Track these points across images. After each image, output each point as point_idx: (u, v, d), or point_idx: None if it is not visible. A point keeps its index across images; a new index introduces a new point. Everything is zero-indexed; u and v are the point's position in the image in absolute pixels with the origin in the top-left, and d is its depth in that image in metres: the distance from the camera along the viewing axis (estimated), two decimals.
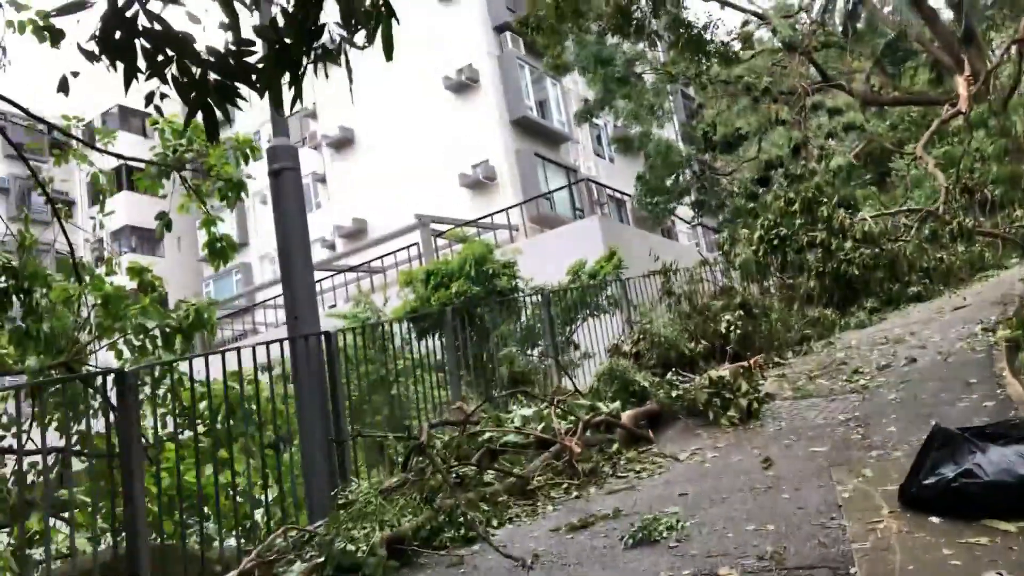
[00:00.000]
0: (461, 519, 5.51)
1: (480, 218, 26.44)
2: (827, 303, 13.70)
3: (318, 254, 33.44)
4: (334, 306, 26.51)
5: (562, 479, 6.45)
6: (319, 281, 28.56)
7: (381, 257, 28.08)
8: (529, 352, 11.47)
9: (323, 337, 6.84)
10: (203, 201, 9.66)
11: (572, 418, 7.37)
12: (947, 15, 25.82)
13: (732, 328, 10.69)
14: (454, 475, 6.29)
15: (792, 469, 5.61)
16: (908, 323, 11.12)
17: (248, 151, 9.74)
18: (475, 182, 30.43)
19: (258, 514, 7.63)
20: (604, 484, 6.29)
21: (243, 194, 9.79)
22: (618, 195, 31.56)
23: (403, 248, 26.79)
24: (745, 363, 9.74)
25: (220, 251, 9.89)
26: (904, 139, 29.96)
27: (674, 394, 7.87)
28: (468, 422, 6.99)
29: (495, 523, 5.68)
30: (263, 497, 7.12)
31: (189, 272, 38.59)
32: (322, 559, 4.60)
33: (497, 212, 26.67)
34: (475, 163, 30.43)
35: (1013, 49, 20.83)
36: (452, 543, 5.35)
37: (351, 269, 28.92)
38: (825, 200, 14.63)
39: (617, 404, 7.88)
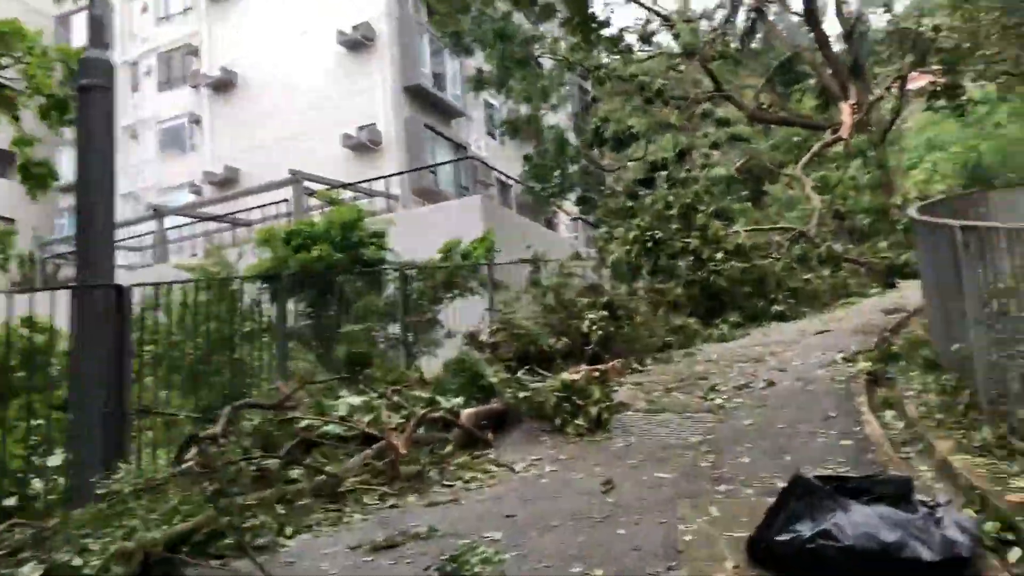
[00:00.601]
0: (248, 524, 4.65)
1: (359, 182, 25.26)
2: (692, 312, 13.44)
3: (182, 198, 31.45)
4: (196, 255, 24.80)
5: (381, 482, 5.68)
6: (179, 227, 26.76)
7: (248, 210, 26.47)
8: (382, 332, 10.59)
9: (114, 291, 5.78)
10: (15, 116, 8.32)
11: (406, 412, 6.60)
12: (839, 46, 26.40)
13: (595, 328, 10.17)
14: (254, 468, 5.41)
15: (635, 496, 5.03)
16: (770, 342, 10.90)
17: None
18: (359, 145, 29.10)
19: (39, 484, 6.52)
20: (427, 493, 5.55)
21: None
22: (505, 179, 30.94)
23: (273, 204, 25.33)
24: (603, 366, 9.24)
25: (38, 177, 8.59)
26: (785, 161, 30.67)
27: (522, 395, 7.22)
28: (283, 406, 6.11)
29: (289, 531, 4.84)
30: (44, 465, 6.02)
31: (42, 202, 35.54)
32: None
33: (377, 178, 25.54)
34: (361, 125, 29.10)
35: (896, 85, 21.40)
36: (231, 553, 4.49)
37: (213, 218, 27.13)
38: (703, 208, 14.39)
39: (460, 400, 7.17)
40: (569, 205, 30.80)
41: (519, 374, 8.46)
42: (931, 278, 7.42)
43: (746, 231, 15.14)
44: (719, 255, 13.64)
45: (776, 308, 13.47)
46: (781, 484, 4.89)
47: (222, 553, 4.51)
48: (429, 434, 6.48)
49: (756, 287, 13.76)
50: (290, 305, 12.16)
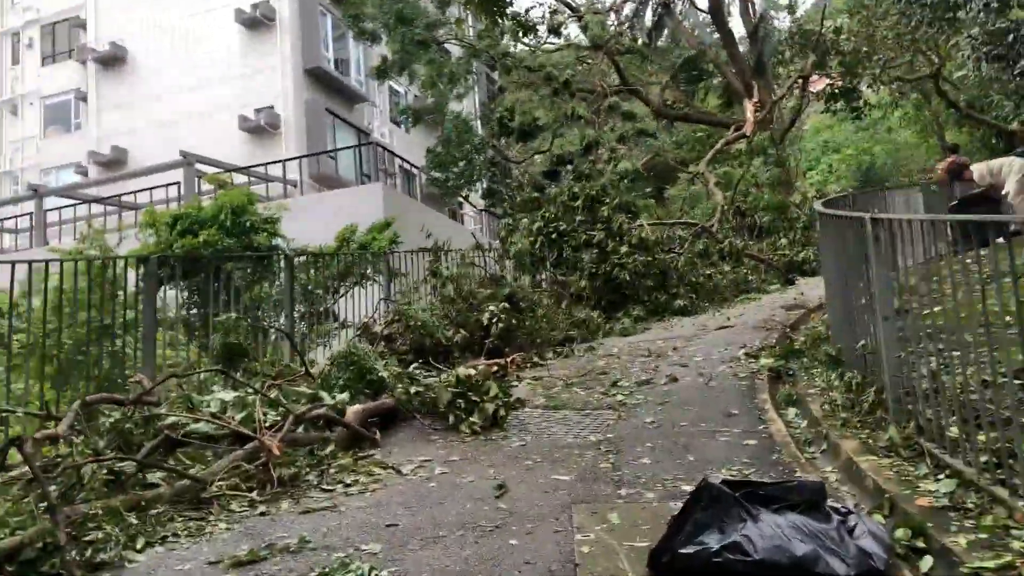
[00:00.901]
0: (90, 536, 4.06)
1: (255, 166, 24.23)
2: (595, 305, 13.21)
3: (68, 179, 29.65)
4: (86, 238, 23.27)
5: (251, 487, 5.12)
6: (61, 208, 25.08)
7: (135, 192, 25.06)
8: (269, 322, 9.91)
9: None
10: None
11: (284, 409, 6.04)
12: (743, 46, 26.77)
13: (495, 320, 9.77)
14: (106, 471, 4.79)
15: (529, 501, 4.64)
16: (672, 336, 10.73)
17: None
18: (256, 128, 27.96)
19: None
20: (303, 498, 5.03)
21: None
22: (409, 167, 30.28)
23: (163, 186, 24.03)
24: (503, 360, 8.87)
25: None
26: (687, 158, 31.00)
27: (413, 390, 6.75)
28: (144, 401, 5.48)
29: (140, 543, 4.25)
30: None
31: None
32: None
33: (275, 162, 24.55)
34: (259, 107, 27.99)
35: (798, 85, 21.77)
36: (71, 569, 3.88)
37: (98, 201, 25.59)
38: (608, 201, 14.18)
39: (345, 396, 6.64)
40: (475, 197, 30.40)
41: (413, 368, 7.99)
42: (835, 273, 7.28)
43: (650, 225, 15.00)
44: (623, 248, 13.43)
45: (678, 302, 13.36)
46: (685, 487, 4.61)
47: (58, 572, 3.90)
48: (308, 434, 5.94)
49: (658, 281, 13.62)
50: (172, 293, 11.43)
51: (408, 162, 29.47)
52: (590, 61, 25.23)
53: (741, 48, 26.22)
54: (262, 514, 4.75)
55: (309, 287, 11.24)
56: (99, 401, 5.37)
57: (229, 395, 6.07)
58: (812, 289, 14.50)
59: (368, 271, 12.04)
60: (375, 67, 27.65)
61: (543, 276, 13.68)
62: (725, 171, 19.83)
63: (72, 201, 25.58)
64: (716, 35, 26.24)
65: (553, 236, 13.76)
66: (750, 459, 5.21)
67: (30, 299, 7.43)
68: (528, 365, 9.51)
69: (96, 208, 25.45)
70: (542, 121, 23.03)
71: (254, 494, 5.03)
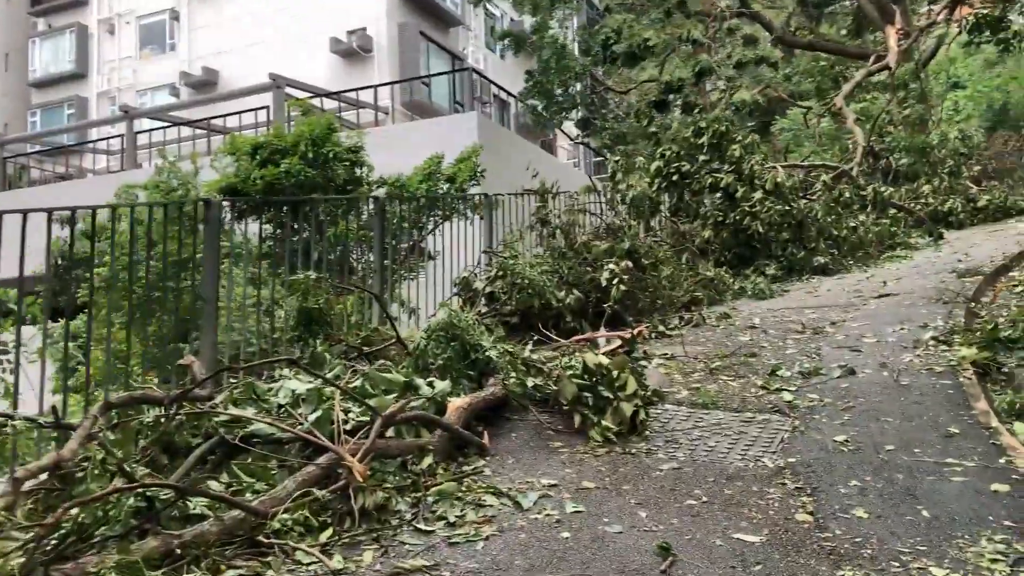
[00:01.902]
0: None
1: (345, 91, 23.00)
2: (720, 260, 11.59)
3: (162, 100, 29.11)
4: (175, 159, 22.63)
5: (326, 520, 3.87)
6: (151, 131, 24.46)
7: (224, 116, 24.21)
8: (350, 279, 8.62)
9: None
10: None
11: (372, 401, 4.75)
12: None
13: (616, 281, 8.29)
14: (137, 497, 3.57)
15: None
16: (822, 304, 9.07)
17: None
18: (348, 51, 26.71)
19: None
20: (392, 543, 3.74)
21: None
22: (504, 95, 28.66)
23: (252, 111, 23.09)
24: (628, 332, 7.42)
25: None
26: (802, 91, 28.34)
27: (531, 382, 5.38)
28: (190, 398, 4.25)
29: None
30: None
31: (15, 98, 32.99)
32: None
33: (365, 88, 23.25)
34: (351, 29, 26.70)
35: (946, 10, 19.13)
36: None
37: (187, 123, 24.85)
38: (738, 139, 12.36)
39: (446, 385, 5.31)
40: (568, 126, 28.61)
41: (526, 345, 6.62)
42: None
43: (783, 167, 13.16)
44: (756, 195, 11.68)
45: (817, 259, 11.60)
46: (936, 570, 3.16)
47: None
48: (401, 441, 4.64)
49: (794, 234, 11.86)
50: (253, 227, 10.43)
51: (505, 90, 27.86)
52: None
53: None
54: (338, 573, 3.48)
55: (395, 220, 10.03)
56: (127, 403, 4.17)
57: (303, 385, 4.80)
58: (972, 246, 12.54)
59: (460, 207, 10.74)
60: None
61: (660, 224, 12.08)
62: (863, 106, 17.59)
63: (162, 123, 24.96)
64: None
65: (674, 177, 12.08)
66: (1008, 515, 3.69)
67: (93, 241, 6.35)
68: (654, 335, 8.05)
69: (186, 131, 24.77)
70: (652, 43, 20.95)
71: (328, 533, 3.77)
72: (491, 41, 32.46)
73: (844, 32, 26.91)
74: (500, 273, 8.50)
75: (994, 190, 17.01)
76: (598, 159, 31.27)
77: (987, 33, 23.34)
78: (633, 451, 4.86)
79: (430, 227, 10.92)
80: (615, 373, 5.30)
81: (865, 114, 17.53)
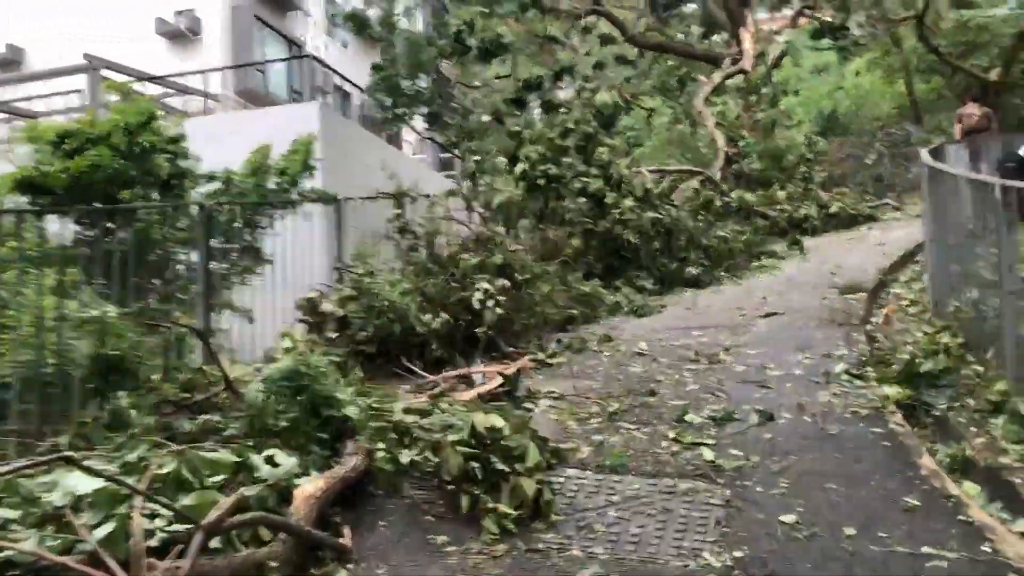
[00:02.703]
0: None
1: (170, 75, 20.77)
2: (589, 272, 10.77)
3: None
4: None
5: None
6: None
7: (30, 99, 21.36)
8: (164, 312, 7.07)
9: None
10: None
11: (192, 499, 3.44)
12: None
13: (491, 302, 7.22)
14: None
15: None
16: (706, 325, 8.36)
17: None
18: (175, 33, 24.33)
19: None
20: None
21: None
22: (347, 87, 26.99)
23: (62, 94, 20.43)
24: (507, 366, 6.38)
25: None
26: (641, 91, 28.36)
27: (405, 457, 4.20)
28: None
29: None
30: None
31: None
32: None
33: (193, 73, 21.10)
34: (179, 10, 24.35)
35: (797, 16, 19.36)
36: None
37: None
38: (608, 142, 11.60)
39: (293, 461, 4.05)
40: (414, 121, 27.36)
41: (390, 388, 5.42)
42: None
43: (650, 171, 12.54)
44: (627, 201, 10.92)
45: (689, 270, 10.98)
46: None
47: None
48: (231, 556, 3.35)
49: (665, 243, 11.20)
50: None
51: (348, 80, 26.23)
52: None
53: None
54: None
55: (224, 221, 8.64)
56: None
57: (89, 481, 3.41)
58: (839, 254, 12.34)
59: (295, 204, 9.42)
60: None
61: (527, 232, 11.11)
62: (720, 110, 17.39)
63: None
64: None
65: (540, 182, 11.15)
66: None
67: None
68: (535, 365, 7.04)
69: None
70: (507, 39, 20.05)
71: None
72: (333, 29, 30.67)
73: (689, 35, 27.06)
74: (354, 293, 7.25)
75: (845, 196, 17.20)
76: (445, 155, 30.23)
77: (827, 39, 24.10)
78: (540, 546, 3.80)
79: (263, 227, 9.53)
80: (511, 438, 4.22)
81: (722, 118, 17.33)
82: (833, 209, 16.35)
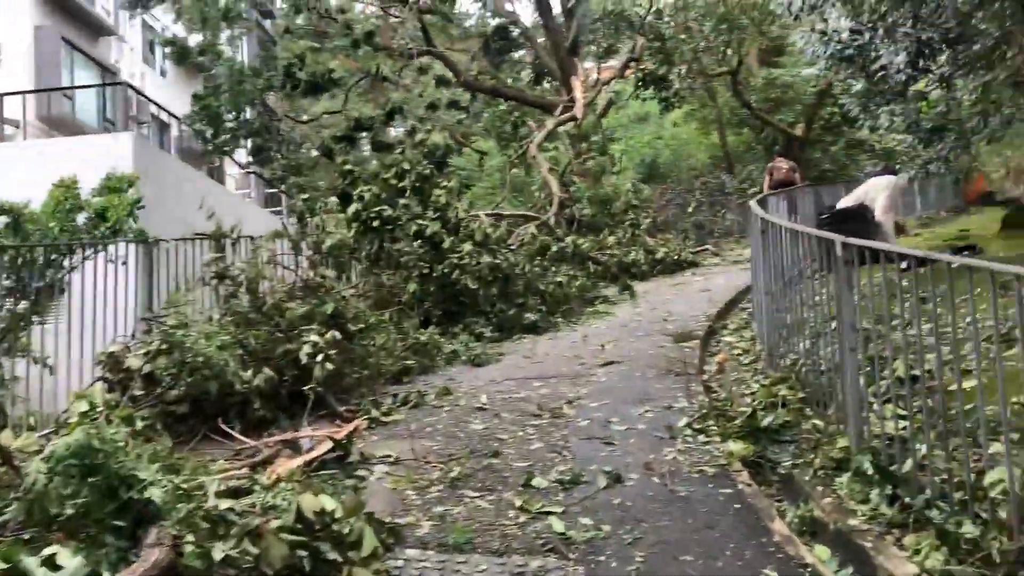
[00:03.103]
0: None
1: None
2: (427, 318, 10.38)
3: None
4: None
5: None
6: None
7: None
8: None
9: None
10: None
11: None
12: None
13: (320, 356, 6.65)
14: None
15: None
16: (546, 375, 8.13)
17: None
18: None
19: None
20: None
21: None
22: (165, 116, 25.41)
23: None
24: (339, 430, 5.86)
25: None
26: (473, 134, 28.61)
27: (218, 552, 3.60)
28: None
29: None
30: None
31: None
32: None
33: None
34: None
35: (624, 67, 20.00)
36: None
37: None
38: (445, 184, 11.32)
39: (77, 562, 3.36)
40: (238, 154, 26.16)
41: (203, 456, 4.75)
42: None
43: (487, 216, 12.36)
44: (466, 246, 10.64)
45: (527, 316, 10.79)
46: None
47: None
48: None
49: (502, 288, 10.98)
50: None
51: (165, 110, 24.76)
52: (395, 15, 22.02)
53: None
54: None
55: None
56: None
57: None
58: (666, 301, 12.58)
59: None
60: None
61: (360, 276, 10.60)
62: (552, 155, 17.56)
63: None
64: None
65: (375, 223, 10.68)
66: None
67: None
68: (369, 424, 6.53)
69: None
70: (338, 75, 19.50)
71: None
72: (151, 58, 28.94)
73: (518, 80, 27.48)
74: (164, 347, 6.49)
75: (669, 242, 17.75)
76: (271, 190, 29.11)
77: (651, 90, 25.08)
78: None
79: (64, 268, 8.55)
80: (344, 522, 3.72)
81: (554, 163, 17.53)
82: (659, 255, 16.79)
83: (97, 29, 25.69)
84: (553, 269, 12.37)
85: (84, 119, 21.92)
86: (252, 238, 9.26)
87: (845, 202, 12.59)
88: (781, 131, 31.11)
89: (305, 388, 6.59)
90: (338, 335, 6.91)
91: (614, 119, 38.26)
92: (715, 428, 5.97)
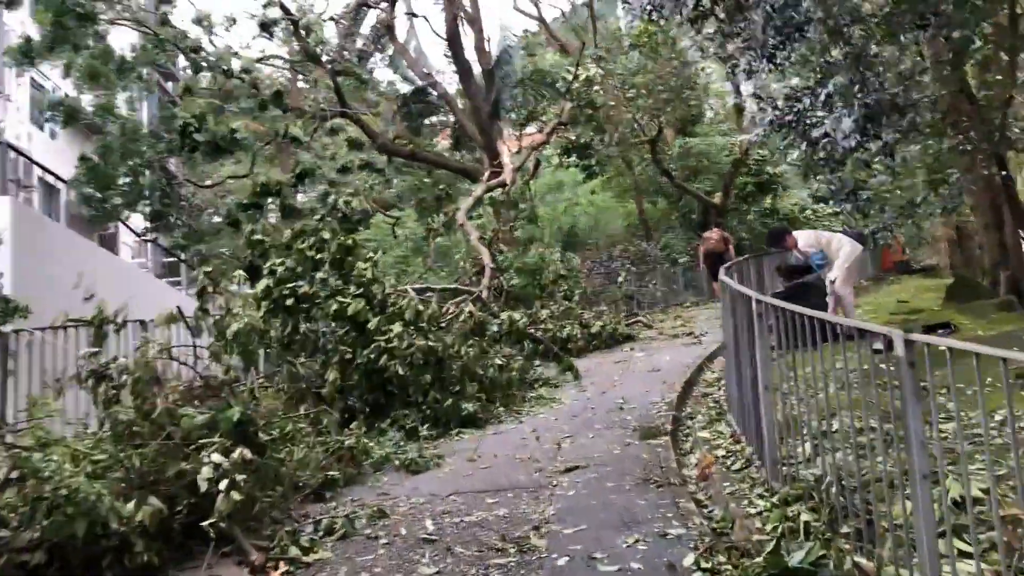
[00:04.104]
0: None
1: None
2: (349, 413, 8.98)
3: None
4: None
5: None
6: None
7: None
8: None
9: None
10: None
11: None
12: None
13: (225, 483, 5.20)
14: None
15: None
16: (500, 486, 6.80)
17: None
18: None
19: None
20: None
21: None
22: (55, 180, 23.32)
23: None
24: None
25: None
26: (388, 201, 27.39)
27: None
28: None
29: None
30: None
31: None
32: None
33: None
34: None
35: (552, 132, 19.25)
36: None
37: None
38: (370, 255, 10.03)
39: None
40: (135, 219, 24.19)
41: None
42: None
43: (415, 290, 11.07)
44: (396, 326, 9.31)
45: (466, 406, 9.46)
46: None
47: None
48: None
49: (436, 373, 9.65)
50: None
51: (52, 173, 22.72)
52: (306, 74, 20.82)
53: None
54: None
55: None
56: None
57: None
58: (615, 381, 11.46)
59: None
60: (14, 47, 20.66)
61: (269, 362, 9.13)
62: (481, 223, 16.46)
63: None
64: (449, 64, 23.21)
65: (289, 302, 9.27)
66: None
67: None
68: (288, 566, 5.07)
69: None
70: (241, 135, 18.06)
71: None
72: (41, 114, 26.81)
73: (432, 145, 26.50)
74: (16, 475, 4.94)
75: (604, 315, 16.76)
76: (170, 259, 27.14)
77: (574, 157, 24.52)
78: None
79: None
80: None
81: (482, 231, 16.44)
82: (595, 328, 15.77)
83: None
84: (491, 350, 11.10)
85: None
86: (143, 323, 7.73)
87: (803, 246, 11.77)
88: (699, 199, 31.00)
89: (206, 524, 5.10)
90: (247, 453, 5.47)
91: (534, 187, 37.66)
92: (729, 567, 4.77)
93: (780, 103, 14.42)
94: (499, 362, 10.58)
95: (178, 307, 7.38)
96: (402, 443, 8.37)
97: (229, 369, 6.89)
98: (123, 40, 21.96)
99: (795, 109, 13.90)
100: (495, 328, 11.91)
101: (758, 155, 31.35)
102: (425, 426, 8.97)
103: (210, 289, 7.95)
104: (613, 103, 21.43)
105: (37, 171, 21.94)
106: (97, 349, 6.41)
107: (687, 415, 9.12)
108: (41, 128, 26.90)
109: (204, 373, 6.70)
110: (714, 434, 7.99)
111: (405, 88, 26.29)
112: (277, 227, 18.52)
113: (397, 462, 7.70)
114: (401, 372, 9.12)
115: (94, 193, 17.58)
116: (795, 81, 15.60)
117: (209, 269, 8.57)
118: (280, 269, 9.46)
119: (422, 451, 7.93)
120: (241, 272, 9.93)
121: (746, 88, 16.12)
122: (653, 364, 12.66)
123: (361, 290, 9.66)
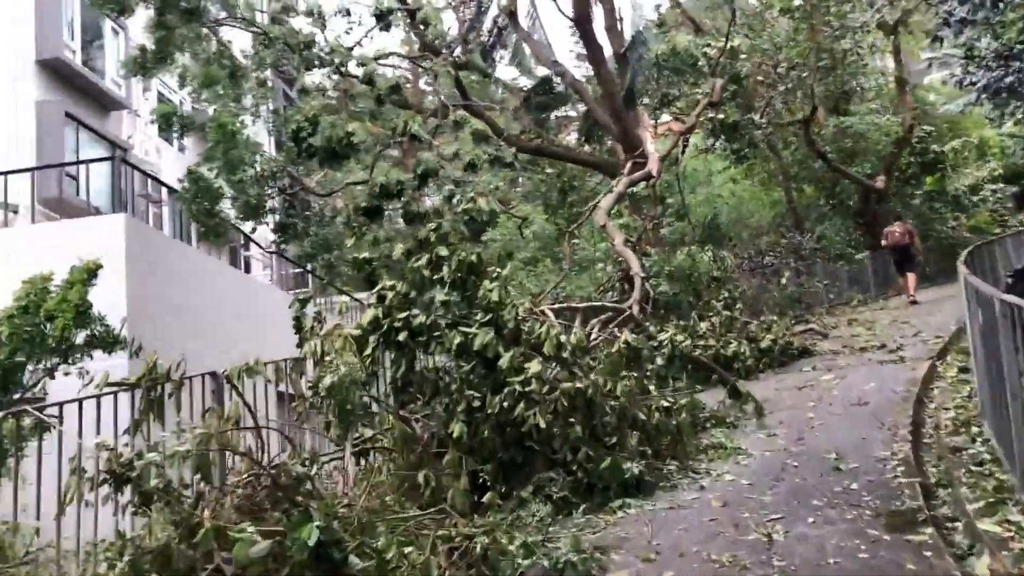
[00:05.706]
0: None
1: None
2: (478, 472, 7.02)
3: None
4: None
5: None
6: None
7: None
8: None
9: None
10: None
11: None
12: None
13: None
14: None
15: None
16: None
17: None
18: None
19: None
20: None
21: None
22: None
23: None
24: None
25: None
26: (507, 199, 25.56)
27: None
28: None
29: None
30: None
31: None
32: None
33: None
34: None
35: (704, 112, 16.87)
36: None
37: None
38: (496, 273, 8.03)
39: None
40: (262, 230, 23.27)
41: None
42: None
43: (552, 310, 9.04)
44: (532, 364, 7.29)
45: (628, 467, 7.30)
46: None
47: None
48: None
49: (585, 422, 7.56)
50: None
51: (170, 188, 21.95)
52: (426, 69, 19.18)
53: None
54: None
55: None
56: None
57: None
58: (814, 422, 9.04)
59: None
60: (129, 59, 19.90)
61: (377, 419, 7.28)
62: (624, 223, 14.28)
63: None
64: (580, 48, 21.11)
65: (400, 336, 7.40)
66: None
67: None
68: None
69: None
70: (358, 138, 16.51)
71: None
72: (167, 130, 26.40)
73: (581, 137, 24.44)
74: None
75: (773, 326, 14.18)
76: (298, 270, 26.23)
77: (722, 139, 21.96)
78: None
79: None
80: None
81: (627, 232, 14.25)
82: (765, 343, 13.28)
83: (106, 103, 23.44)
84: (651, 385, 8.90)
85: (96, 200, 19.10)
86: (213, 375, 6.01)
87: None
88: (860, 183, 27.69)
89: None
90: None
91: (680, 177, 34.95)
92: None
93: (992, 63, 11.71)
94: (665, 403, 8.33)
95: (256, 359, 5.58)
96: (549, 521, 6.32)
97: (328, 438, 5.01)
98: (239, 44, 21.01)
99: (1013, 69, 11.16)
100: (654, 355, 9.67)
101: (921, 132, 27.88)
102: (568, 492, 6.88)
103: (307, 325, 6.18)
104: (761, 78, 18.80)
105: (164, 187, 21.22)
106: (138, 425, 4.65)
107: (938, 482, 6.64)
108: (170, 142, 26.53)
109: (278, 460, 4.84)
110: (1010, 527, 5.49)
111: (528, 82, 24.32)
112: (399, 233, 16.91)
113: (547, 563, 5.61)
114: (543, 424, 7.06)
115: (200, 202, 16.41)
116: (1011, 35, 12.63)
117: (300, 308, 6.81)
118: (390, 295, 7.59)
119: (578, 545, 5.80)
120: (347, 299, 8.13)
121: (946, 48, 13.25)
122: (852, 392, 10.14)
123: (488, 316, 7.66)
